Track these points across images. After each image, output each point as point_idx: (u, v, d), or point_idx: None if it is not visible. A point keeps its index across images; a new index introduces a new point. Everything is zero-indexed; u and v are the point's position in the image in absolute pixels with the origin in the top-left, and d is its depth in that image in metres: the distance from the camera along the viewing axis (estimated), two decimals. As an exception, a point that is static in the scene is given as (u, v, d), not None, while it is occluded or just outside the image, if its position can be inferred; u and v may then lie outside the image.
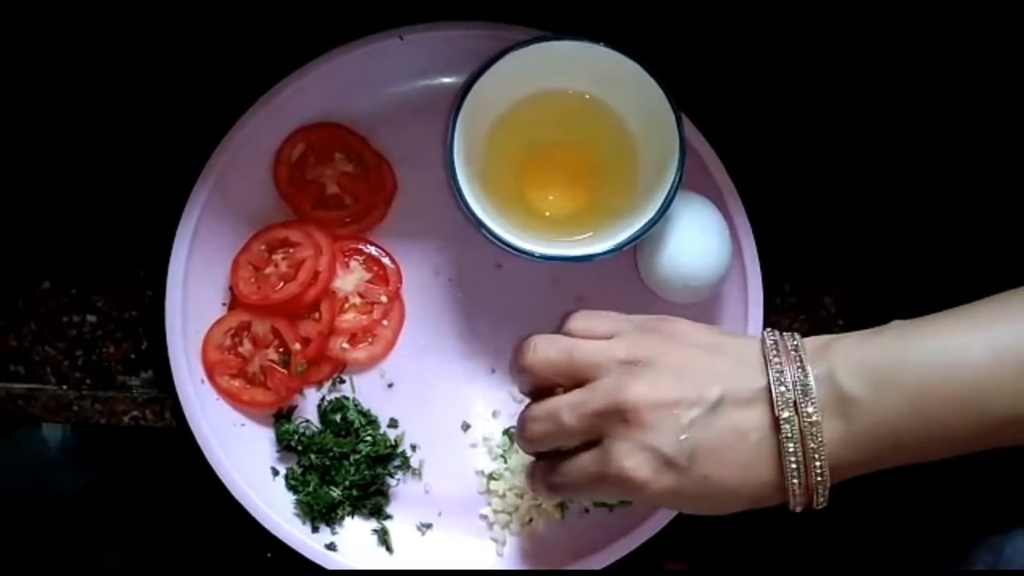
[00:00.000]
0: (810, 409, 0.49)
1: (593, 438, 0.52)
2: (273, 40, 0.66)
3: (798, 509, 0.50)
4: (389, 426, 0.65)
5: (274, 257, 0.64)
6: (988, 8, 0.67)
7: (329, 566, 0.63)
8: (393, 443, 0.65)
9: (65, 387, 0.67)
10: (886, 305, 0.68)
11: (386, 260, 0.66)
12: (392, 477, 0.65)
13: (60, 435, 0.78)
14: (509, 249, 0.59)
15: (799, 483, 0.49)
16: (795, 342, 0.51)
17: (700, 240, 0.61)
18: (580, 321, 0.56)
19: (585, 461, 0.52)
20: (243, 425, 0.64)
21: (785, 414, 0.49)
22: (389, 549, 0.64)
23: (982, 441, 0.49)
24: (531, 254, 0.59)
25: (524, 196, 0.65)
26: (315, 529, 0.63)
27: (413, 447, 0.65)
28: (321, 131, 0.66)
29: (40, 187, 0.67)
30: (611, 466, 0.50)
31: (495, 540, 0.64)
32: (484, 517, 0.65)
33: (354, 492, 0.63)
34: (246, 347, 0.64)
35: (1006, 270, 0.66)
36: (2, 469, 0.77)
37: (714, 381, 0.50)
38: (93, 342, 0.67)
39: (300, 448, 0.64)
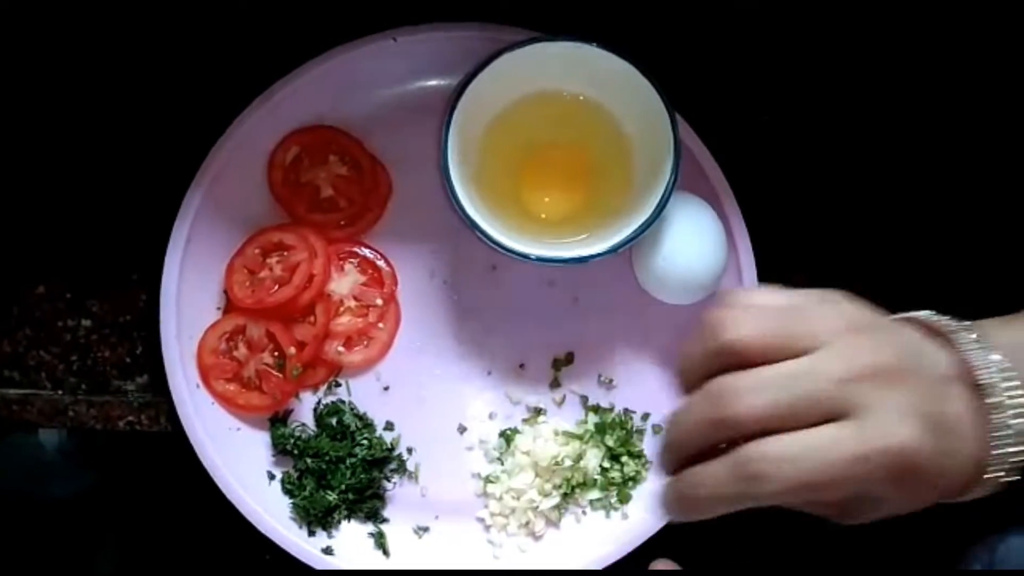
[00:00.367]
0: (1011, 384, 0.45)
1: (833, 414, 0.42)
2: (266, 43, 0.66)
3: (986, 491, 0.46)
4: (385, 429, 0.65)
5: (269, 260, 0.64)
6: (988, 8, 0.67)
7: (326, 569, 0.62)
8: (389, 446, 0.64)
9: (60, 392, 0.66)
10: (883, 306, 0.68)
11: (381, 263, 0.66)
12: (388, 480, 0.65)
13: (56, 440, 0.77)
14: (504, 251, 0.59)
15: (1006, 456, 0.44)
16: (952, 322, 0.48)
17: (696, 241, 0.61)
18: (757, 295, 0.47)
19: (834, 435, 0.42)
20: (238, 429, 0.64)
21: (991, 389, 0.44)
22: (386, 552, 0.64)
23: None
24: (526, 256, 0.59)
25: (519, 198, 0.64)
26: (311, 533, 0.63)
27: (409, 450, 0.65)
28: (315, 133, 0.66)
29: (34, 192, 0.67)
30: (884, 436, 0.42)
31: (492, 543, 0.64)
32: (481, 520, 0.65)
33: (350, 496, 0.63)
34: (241, 351, 0.64)
35: (1005, 270, 0.67)
36: None
37: (917, 352, 0.45)
38: (88, 347, 0.67)
39: (296, 452, 0.64)
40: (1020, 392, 0.45)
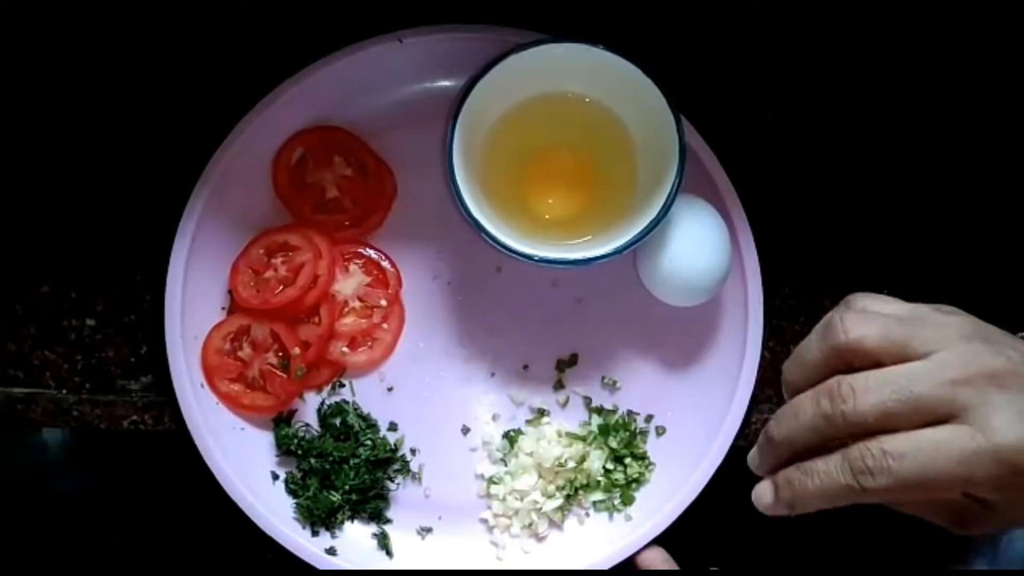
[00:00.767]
0: None
1: (942, 416, 0.44)
2: (272, 44, 0.66)
3: None
4: (389, 430, 0.65)
5: (273, 261, 0.64)
6: (988, 9, 0.67)
7: (329, 569, 0.63)
8: (393, 447, 0.65)
9: (64, 391, 0.66)
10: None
11: (386, 264, 0.66)
12: (392, 481, 0.65)
13: (60, 439, 0.77)
14: (508, 253, 0.59)
15: None
16: None
17: (701, 243, 0.61)
18: (872, 301, 0.48)
19: (946, 436, 0.43)
20: (243, 429, 0.64)
21: None
22: (389, 553, 0.64)
23: None
24: (530, 258, 0.59)
25: (524, 199, 0.64)
26: (315, 533, 0.63)
27: (413, 451, 0.65)
28: (320, 134, 0.66)
29: (39, 191, 0.67)
30: (1000, 435, 0.42)
31: (495, 544, 0.64)
32: (484, 521, 0.65)
33: (354, 496, 0.63)
34: (246, 351, 0.64)
35: (1006, 270, 0.67)
36: (2, 472, 0.77)
37: None
38: (92, 346, 0.67)
39: (300, 452, 0.64)
40: None
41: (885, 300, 0.48)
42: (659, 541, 0.63)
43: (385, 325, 0.66)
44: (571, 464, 0.64)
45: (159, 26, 0.67)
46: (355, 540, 0.64)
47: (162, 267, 0.63)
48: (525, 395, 0.66)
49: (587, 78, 0.62)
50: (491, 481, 0.65)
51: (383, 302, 0.65)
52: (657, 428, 0.66)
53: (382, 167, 0.66)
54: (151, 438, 0.66)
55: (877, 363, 0.45)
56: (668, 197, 0.59)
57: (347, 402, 0.65)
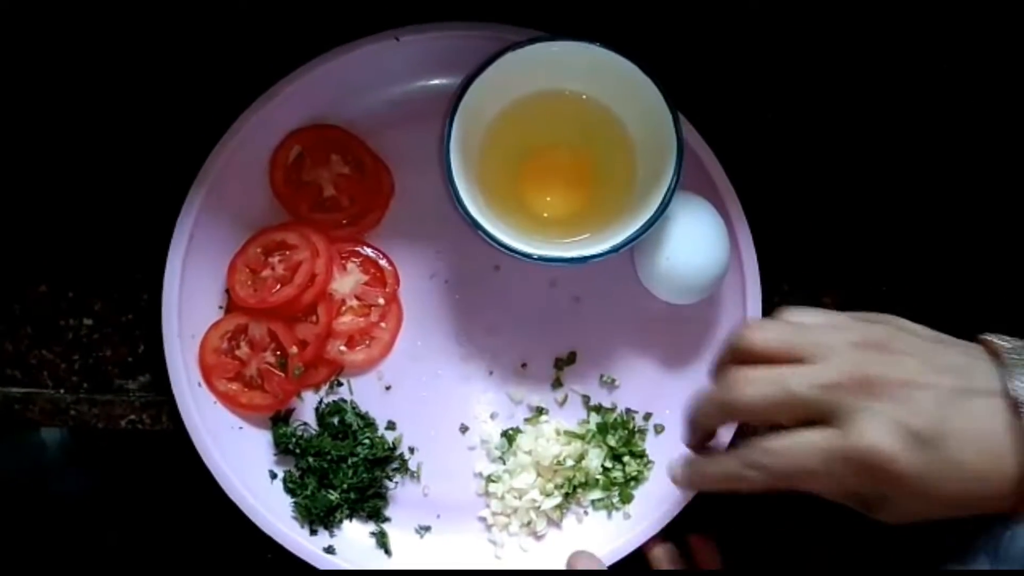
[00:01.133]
0: None
1: (818, 415, 0.48)
2: (268, 42, 0.66)
3: None
4: (387, 428, 0.65)
5: (271, 260, 0.64)
6: (988, 8, 0.67)
7: (328, 568, 0.62)
8: (391, 446, 0.64)
9: (62, 391, 0.66)
10: (885, 304, 0.67)
11: (383, 262, 0.66)
12: (390, 480, 0.65)
13: (58, 438, 0.77)
14: (506, 251, 0.59)
15: None
16: (1018, 341, 0.50)
17: (698, 240, 0.61)
18: (795, 312, 0.53)
19: (816, 438, 0.48)
20: (241, 428, 0.64)
21: None
22: (387, 552, 0.64)
23: None
24: (528, 256, 0.59)
25: (521, 197, 0.64)
26: (313, 532, 0.63)
27: (411, 450, 0.65)
28: (317, 133, 0.66)
29: (36, 191, 0.67)
30: (857, 440, 0.46)
31: (493, 542, 0.64)
32: (483, 519, 0.65)
33: (352, 495, 0.63)
34: (243, 350, 0.64)
35: (1006, 269, 0.67)
36: (0, 472, 0.77)
37: (953, 369, 0.49)
38: (90, 346, 0.67)
39: (298, 451, 0.64)
40: None
41: (813, 311, 0.52)
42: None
43: (383, 324, 0.66)
44: (569, 462, 0.64)
45: (155, 26, 0.66)
46: (353, 539, 0.64)
47: (160, 266, 0.63)
48: (523, 393, 0.66)
49: (584, 76, 0.62)
50: (489, 480, 0.65)
51: (381, 301, 0.65)
52: (656, 426, 0.66)
53: (379, 165, 0.66)
54: (149, 437, 0.66)
55: (770, 361, 0.50)
56: (666, 195, 0.59)
57: (345, 401, 0.65)
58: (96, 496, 0.77)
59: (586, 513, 0.65)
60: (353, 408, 0.65)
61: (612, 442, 0.65)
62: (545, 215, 0.64)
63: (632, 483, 0.64)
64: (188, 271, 0.63)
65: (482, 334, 0.66)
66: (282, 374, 0.63)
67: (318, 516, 0.63)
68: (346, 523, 0.64)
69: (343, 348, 0.65)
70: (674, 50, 0.66)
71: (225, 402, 0.63)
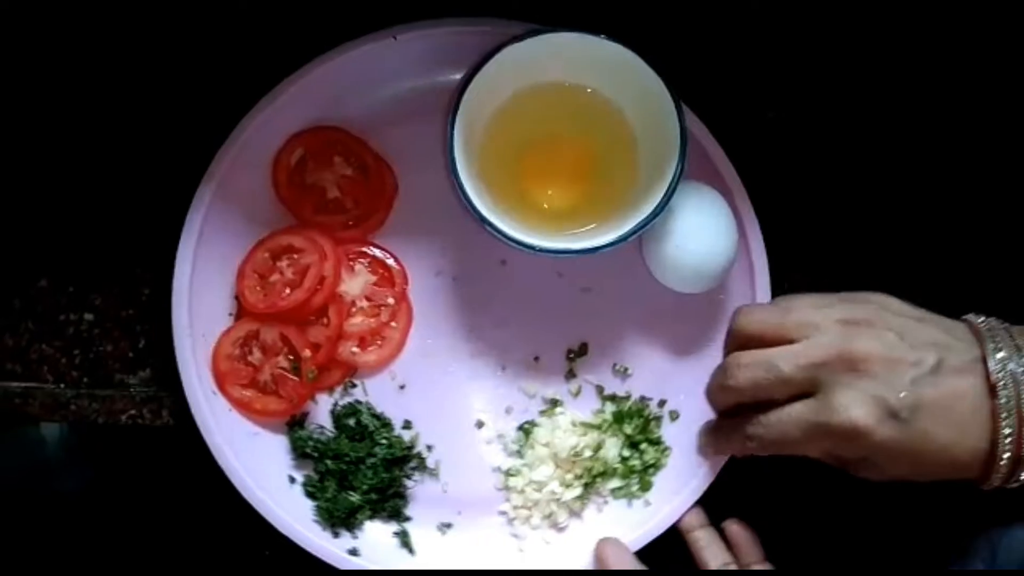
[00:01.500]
0: None
1: (806, 390, 0.54)
2: (265, 46, 0.66)
3: (995, 483, 0.52)
4: (403, 428, 0.65)
5: (279, 264, 0.64)
6: (988, 8, 0.67)
7: (348, 569, 0.62)
8: (408, 445, 0.64)
9: (63, 386, 0.66)
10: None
11: (391, 262, 0.66)
12: (409, 479, 0.65)
13: (58, 433, 0.77)
14: (514, 245, 0.59)
15: (1009, 453, 0.51)
16: (998, 322, 0.54)
17: (706, 227, 0.61)
18: (785, 296, 0.59)
19: (800, 410, 0.54)
20: (257, 434, 0.64)
21: (1002, 382, 0.51)
22: (411, 551, 0.63)
23: None
24: (537, 248, 0.59)
25: (525, 190, 0.64)
26: (336, 535, 0.63)
27: (428, 447, 0.65)
28: (318, 135, 0.65)
29: (38, 186, 0.67)
30: (835, 414, 0.52)
31: (516, 536, 0.64)
32: (504, 513, 0.65)
33: (373, 496, 0.63)
34: (256, 356, 0.63)
35: (1009, 268, 0.67)
36: (0, 468, 0.77)
37: (932, 346, 0.53)
38: (91, 340, 0.67)
39: (316, 454, 0.63)
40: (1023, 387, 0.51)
41: (802, 295, 0.58)
42: (678, 525, 0.63)
43: (394, 323, 0.65)
44: (587, 453, 0.64)
45: (156, 28, 0.66)
46: (376, 539, 0.63)
47: (160, 261, 0.63)
48: (537, 386, 0.66)
49: (583, 68, 0.62)
50: (508, 474, 0.65)
51: (390, 300, 0.65)
52: (671, 413, 0.66)
53: (382, 165, 0.66)
54: (149, 432, 0.66)
55: (763, 344, 0.56)
56: (671, 183, 0.59)
57: (360, 402, 0.65)
58: (96, 491, 0.77)
59: (606, 502, 0.65)
60: (368, 409, 0.65)
61: (628, 430, 0.65)
62: (549, 207, 0.64)
63: (651, 470, 0.65)
64: (196, 280, 0.63)
65: (492, 329, 0.66)
66: (296, 378, 0.63)
67: (340, 518, 0.62)
68: (368, 524, 0.64)
69: (355, 349, 0.65)
70: (676, 49, 0.64)
71: (240, 409, 0.63)
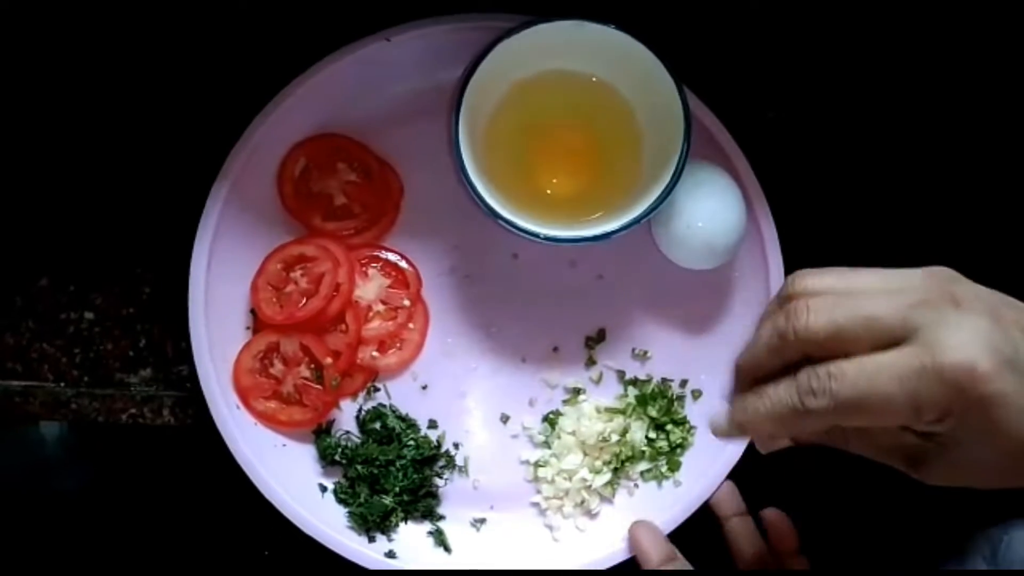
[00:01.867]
0: None
1: (897, 338, 0.42)
2: (260, 58, 0.66)
3: None
4: (429, 427, 0.65)
5: (292, 275, 0.64)
6: (988, 8, 0.67)
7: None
8: (436, 444, 0.65)
9: (63, 385, 0.66)
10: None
11: (403, 264, 0.66)
12: (440, 477, 0.65)
13: (58, 432, 0.77)
14: (527, 236, 0.59)
15: None
16: None
17: (716, 205, 0.61)
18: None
19: (895, 357, 0.42)
20: (284, 446, 0.64)
21: None
22: (447, 549, 0.64)
23: None
24: (550, 239, 0.59)
25: (533, 181, 0.65)
26: (371, 539, 0.63)
27: (456, 445, 0.66)
28: (320, 143, 0.65)
29: (38, 185, 0.67)
30: (948, 353, 0.40)
31: (549, 527, 0.65)
32: (536, 504, 0.65)
33: (405, 497, 0.63)
34: (277, 368, 0.64)
35: (1013, 266, 0.67)
36: (0, 467, 0.77)
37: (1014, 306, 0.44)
38: (91, 339, 0.67)
39: (344, 461, 0.64)
40: None
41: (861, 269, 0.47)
42: (709, 504, 0.64)
43: (411, 325, 0.66)
44: (614, 438, 0.64)
45: (149, 37, 0.66)
46: (412, 540, 0.64)
47: (161, 260, 0.64)
48: (558, 376, 0.66)
49: (582, 56, 0.62)
50: (537, 465, 0.65)
51: (406, 302, 0.65)
52: (693, 392, 0.66)
53: (386, 168, 0.66)
54: (149, 431, 0.67)
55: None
56: (678, 164, 0.59)
57: (384, 405, 0.65)
58: (96, 491, 0.77)
59: (636, 486, 0.65)
60: (393, 411, 0.65)
61: (653, 412, 0.65)
62: (557, 197, 0.65)
63: (678, 450, 0.65)
64: (211, 298, 0.63)
65: (510, 323, 0.67)
66: (319, 387, 0.63)
67: (375, 523, 0.63)
68: (402, 526, 0.64)
69: (375, 353, 0.65)
70: (676, 49, 0.63)
71: (265, 421, 0.63)
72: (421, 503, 0.64)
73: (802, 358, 0.44)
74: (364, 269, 0.65)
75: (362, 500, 0.63)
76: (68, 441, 0.77)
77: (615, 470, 0.64)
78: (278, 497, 0.62)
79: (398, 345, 0.66)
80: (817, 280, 0.45)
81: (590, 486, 0.64)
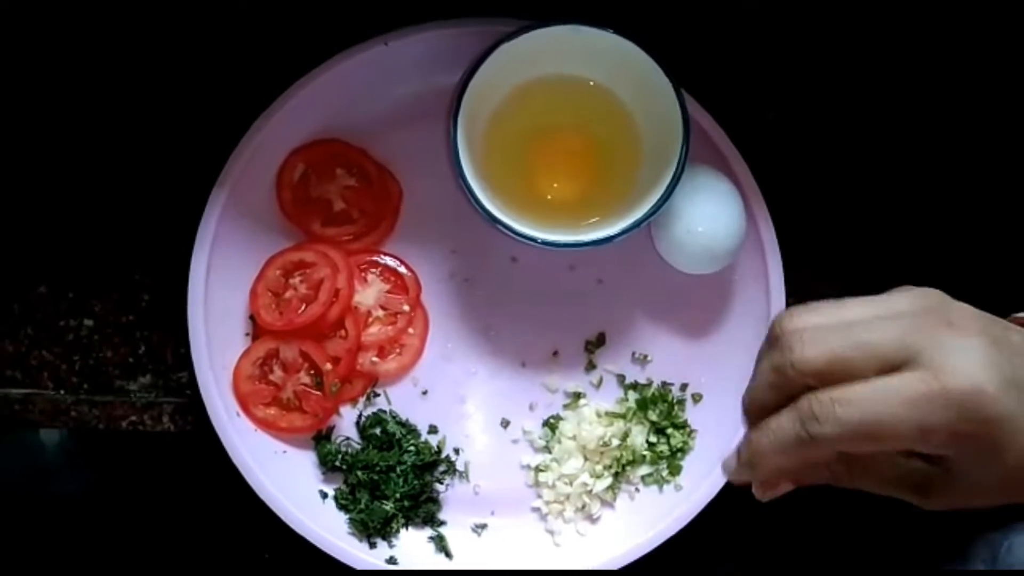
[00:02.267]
0: None
1: (895, 363, 0.41)
2: (262, 61, 0.65)
3: None
4: (429, 433, 0.65)
5: (291, 281, 0.64)
6: (988, 8, 0.67)
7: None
8: (436, 449, 0.65)
9: (63, 392, 0.66)
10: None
11: (402, 269, 0.66)
12: (440, 483, 0.65)
13: (57, 438, 0.77)
14: (526, 241, 0.59)
15: None
16: None
17: (716, 209, 0.61)
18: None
19: (900, 383, 0.41)
20: (284, 452, 0.64)
21: None
22: (448, 554, 0.64)
23: None
24: (549, 243, 0.59)
25: (532, 186, 0.64)
26: (372, 545, 0.63)
27: (456, 450, 0.65)
28: (319, 148, 0.65)
29: (37, 192, 0.66)
30: (952, 377, 0.40)
31: (551, 532, 0.65)
32: (537, 510, 0.65)
33: (405, 503, 0.63)
34: (277, 374, 0.63)
35: (1013, 268, 0.67)
36: (0, 473, 0.77)
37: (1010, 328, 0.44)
38: (90, 347, 0.67)
39: (345, 467, 0.64)
40: None
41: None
42: (711, 507, 0.64)
43: (411, 330, 0.66)
44: (615, 442, 0.64)
45: (147, 43, 0.66)
46: (413, 546, 0.64)
47: (160, 266, 0.64)
48: (558, 381, 0.66)
49: (580, 60, 0.62)
50: (538, 469, 0.65)
51: (406, 307, 0.65)
52: (693, 395, 0.66)
53: (384, 173, 0.66)
54: (149, 439, 0.66)
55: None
56: (677, 168, 0.59)
57: (384, 411, 0.65)
58: (95, 497, 0.77)
59: (637, 490, 0.65)
60: (393, 417, 0.65)
61: (653, 417, 0.65)
62: (556, 201, 0.65)
63: (679, 454, 0.65)
64: (210, 305, 0.63)
65: (509, 327, 0.66)
66: (319, 393, 0.63)
67: (376, 528, 0.63)
68: (403, 532, 0.64)
69: (375, 359, 0.65)
70: (675, 50, 0.62)
71: (265, 428, 0.63)
72: (422, 509, 0.64)
73: (803, 392, 0.43)
74: (363, 274, 0.65)
75: (363, 506, 0.63)
76: (68, 446, 0.77)
77: (616, 474, 0.64)
78: (278, 503, 0.62)
79: (398, 350, 0.65)
80: (806, 317, 0.44)
81: (591, 491, 0.64)
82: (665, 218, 0.62)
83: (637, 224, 0.59)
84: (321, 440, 0.64)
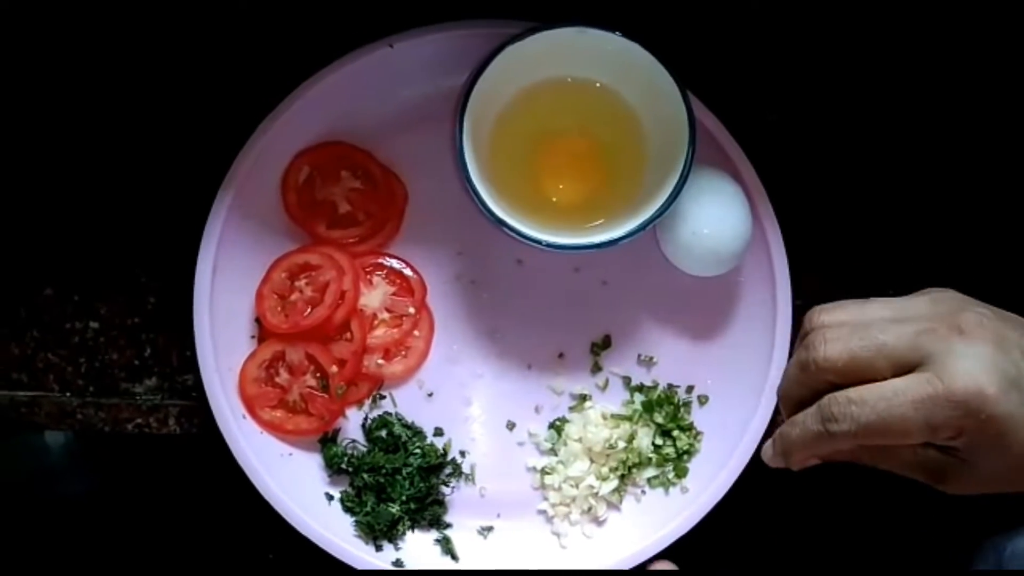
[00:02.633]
0: None
1: (909, 365, 0.46)
2: (268, 64, 0.66)
3: None
4: (435, 435, 0.65)
5: (297, 283, 0.64)
6: (988, 9, 0.67)
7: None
8: (442, 452, 0.65)
9: (68, 394, 0.66)
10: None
11: (408, 271, 0.66)
12: (446, 485, 0.65)
13: (63, 440, 0.77)
14: (532, 243, 0.59)
15: None
16: None
17: (722, 211, 0.61)
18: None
19: (909, 384, 0.46)
20: (290, 455, 0.64)
21: None
22: (454, 557, 0.64)
23: None
24: (555, 246, 0.59)
25: (537, 188, 0.64)
26: (379, 548, 0.63)
27: (462, 453, 0.65)
28: (324, 151, 0.65)
29: (42, 194, 0.67)
30: (955, 380, 0.45)
31: (557, 534, 0.65)
32: (543, 512, 0.65)
33: (411, 505, 0.63)
34: (283, 377, 0.63)
35: (1014, 270, 0.67)
36: (5, 475, 0.77)
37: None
38: (96, 349, 0.67)
39: (351, 470, 0.64)
40: None
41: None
42: (718, 509, 0.63)
43: (416, 332, 0.66)
44: (621, 444, 0.64)
45: (148, 46, 0.66)
46: (419, 549, 0.64)
47: (166, 269, 0.64)
48: (564, 383, 0.66)
49: (586, 62, 0.62)
50: (544, 472, 0.65)
51: (411, 310, 0.65)
52: (699, 397, 0.66)
53: (390, 175, 0.66)
54: (155, 441, 0.67)
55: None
56: (683, 170, 0.59)
57: (390, 413, 0.65)
58: (101, 499, 0.77)
59: (643, 493, 0.65)
60: (399, 419, 0.65)
61: (659, 419, 0.65)
62: (561, 203, 0.64)
63: (685, 456, 0.65)
64: (216, 308, 0.63)
65: (515, 329, 0.66)
66: (325, 395, 0.63)
67: (382, 531, 0.63)
68: (409, 534, 0.64)
69: (381, 361, 0.65)
70: (676, 51, 0.62)
71: (271, 430, 0.63)
72: (428, 511, 0.64)
73: (828, 387, 0.48)
74: (369, 277, 0.65)
75: (369, 509, 0.63)
76: (74, 449, 0.77)
77: (622, 477, 0.64)
78: (284, 506, 0.62)
79: (403, 353, 0.65)
80: (832, 314, 0.50)
81: (597, 493, 0.64)
82: (671, 220, 0.62)
83: (643, 226, 0.59)
84: (327, 442, 0.64)
